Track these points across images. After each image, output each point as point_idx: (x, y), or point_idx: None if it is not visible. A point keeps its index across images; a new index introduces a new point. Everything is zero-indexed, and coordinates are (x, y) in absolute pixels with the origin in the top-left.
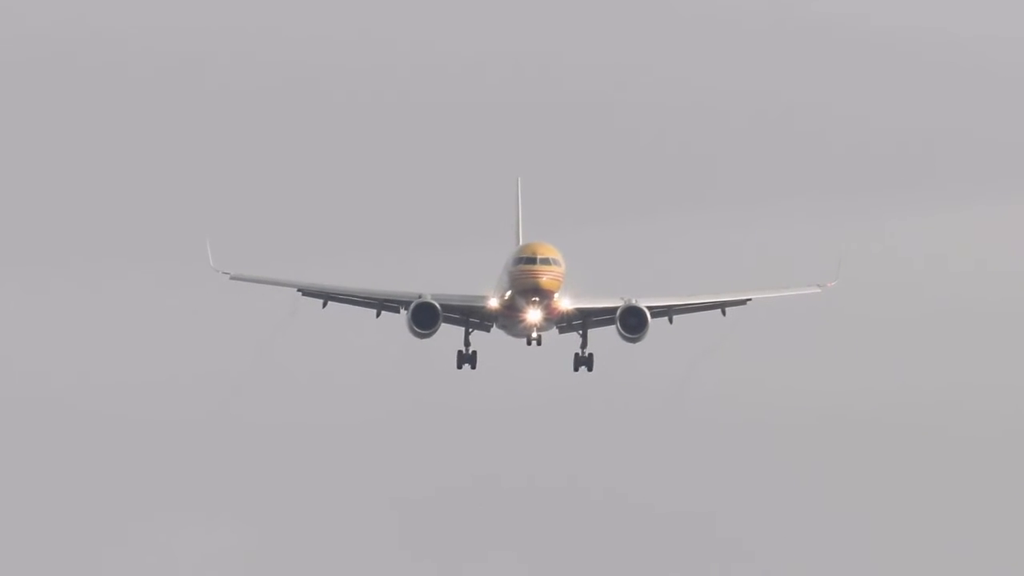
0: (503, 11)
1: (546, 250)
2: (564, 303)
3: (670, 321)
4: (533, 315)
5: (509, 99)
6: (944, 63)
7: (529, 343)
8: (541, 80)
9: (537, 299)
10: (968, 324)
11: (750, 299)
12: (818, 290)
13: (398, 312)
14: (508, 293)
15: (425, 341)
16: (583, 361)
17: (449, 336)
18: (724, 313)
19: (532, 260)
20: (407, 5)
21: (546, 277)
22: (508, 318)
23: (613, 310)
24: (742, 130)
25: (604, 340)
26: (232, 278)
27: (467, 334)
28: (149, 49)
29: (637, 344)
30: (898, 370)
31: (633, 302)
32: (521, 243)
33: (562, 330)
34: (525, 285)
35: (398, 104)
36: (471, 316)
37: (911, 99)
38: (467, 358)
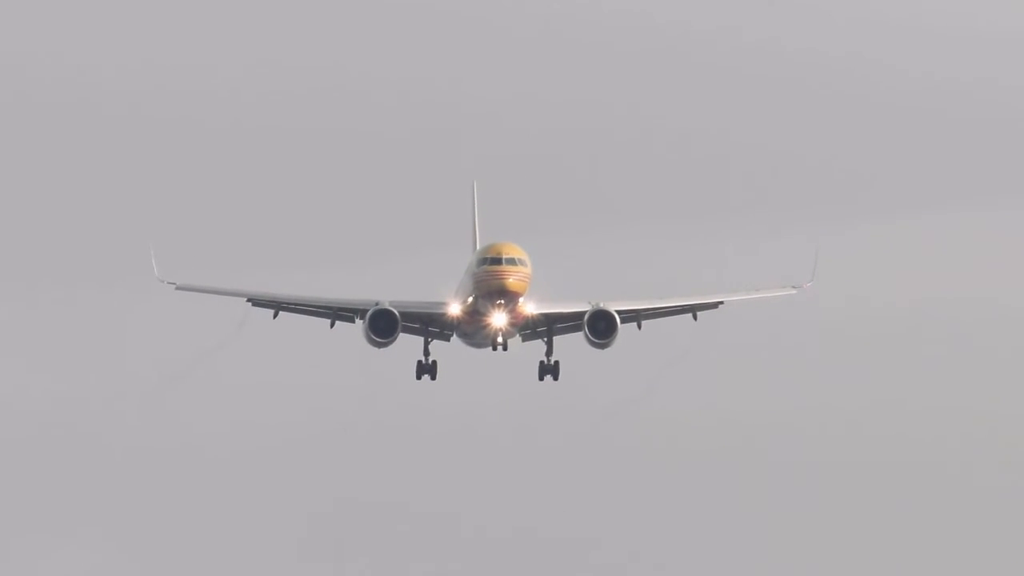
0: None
1: (511, 250)
2: (529, 308)
3: (639, 327)
4: (498, 319)
5: (462, 103)
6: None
7: (495, 348)
8: (495, 84)
9: (503, 302)
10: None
11: (722, 302)
12: (794, 291)
13: (353, 322)
14: (472, 297)
15: (383, 350)
16: (548, 370)
17: (408, 345)
18: (695, 317)
19: (497, 260)
20: (354, 14)
21: (512, 278)
22: (471, 324)
23: (580, 315)
24: (703, 137)
25: (571, 347)
26: (178, 288)
27: (426, 343)
28: (89, 60)
29: (605, 350)
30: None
31: (601, 305)
32: (481, 246)
33: (526, 337)
34: (490, 287)
35: (345, 110)
36: (431, 324)
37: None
38: (427, 368)
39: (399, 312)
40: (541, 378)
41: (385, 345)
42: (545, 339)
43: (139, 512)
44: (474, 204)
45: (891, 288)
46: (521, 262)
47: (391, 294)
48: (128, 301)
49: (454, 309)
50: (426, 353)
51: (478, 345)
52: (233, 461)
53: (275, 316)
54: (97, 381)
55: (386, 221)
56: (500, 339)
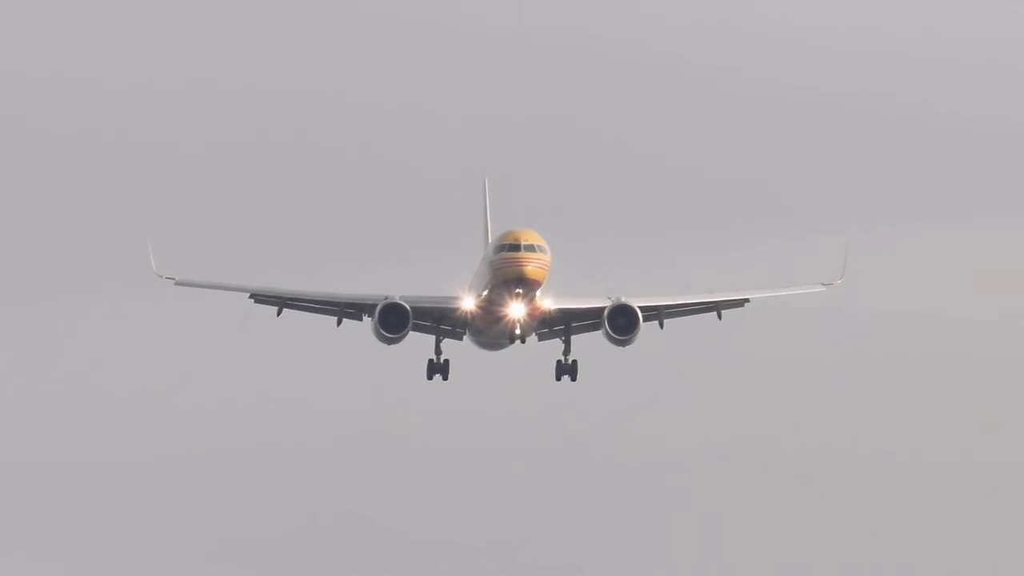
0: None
1: (530, 236)
2: (546, 303)
3: (661, 325)
4: (516, 310)
5: (472, 101)
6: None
7: (512, 341)
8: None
9: (521, 291)
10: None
11: (748, 300)
12: (823, 289)
13: (360, 320)
14: (488, 288)
15: (393, 347)
16: (566, 370)
17: (419, 344)
18: (720, 316)
19: (516, 247)
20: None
21: (532, 265)
22: (486, 318)
23: (599, 311)
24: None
25: (589, 346)
26: (177, 283)
27: (438, 342)
28: (88, 57)
29: (625, 348)
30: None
31: (622, 300)
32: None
33: (542, 336)
34: (508, 275)
35: (353, 105)
36: (443, 321)
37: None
38: (438, 368)
39: (410, 307)
40: (558, 378)
41: (395, 342)
42: (562, 338)
43: (132, 515)
44: (486, 202)
45: (919, 291)
46: (540, 249)
47: (400, 291)
48: (124, 297)
49: (468, 303)
50: (438, 352)
51: (492, 345)
52: (231, 468)
53: (279, 314)
54: (86, 384)
55: (393, 221)
56: (518, 331)
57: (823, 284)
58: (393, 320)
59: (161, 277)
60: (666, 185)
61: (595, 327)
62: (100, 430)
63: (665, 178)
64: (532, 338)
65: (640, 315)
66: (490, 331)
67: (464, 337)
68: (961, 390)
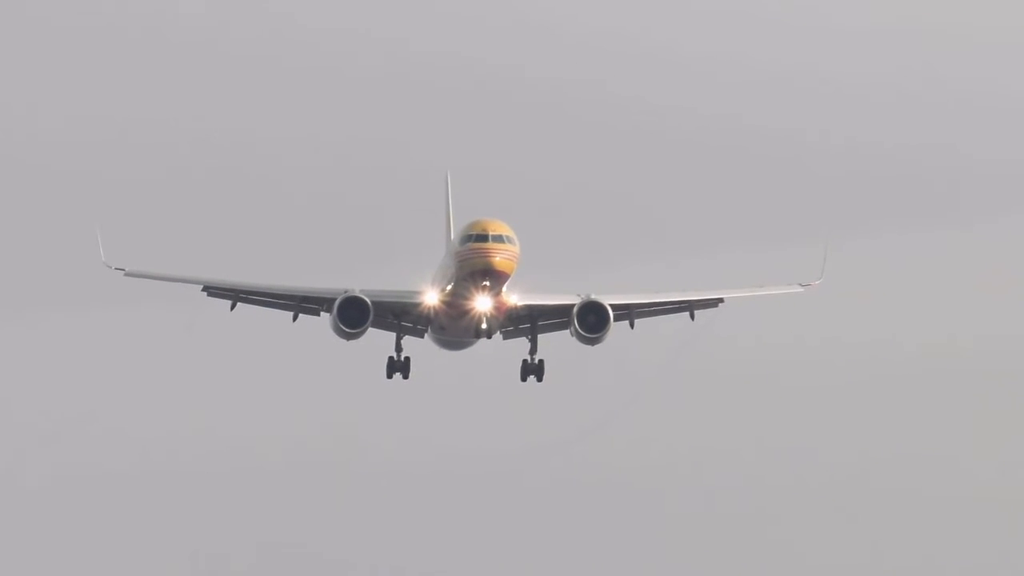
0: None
1: (498, 227)
2: (513, 298)
3: (631, 325)
4: (482, 303)
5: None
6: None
7: (478, 335)
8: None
9: (488, 283)
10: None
11: (723, 299)
12: (801, 290)
13: (318, 314)
14: (452, 281)
15: (352, 344)
16: (532, 369)
17: (379, 340)
18: (693, 316)
19: (483, 237)
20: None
21: (500, 256)
22: (450, 314)
23: (568, 308)
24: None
25: (556, 345)
26: (127, 274)
27: (399, 339)
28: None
29: (595, 347)
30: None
31: (592, 297)
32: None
33: (508, 335)
34: (475, 266)
35: (311, 93)
36: (404, 317)
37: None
38: (399, 366)
39: (371, 301)
40: (524, 378)
41: (355, 336)
42: (529, 336)
43: (68, 527)
44: (448, 195)
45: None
46: (509, 240)
47: (359, 286)
48: (70, 288)
49: (431, 298)
50: (398, 349)
51: (455, 344)
52: (176, 474)
53: (232, 308)
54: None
55: (353, 217)
56: (484, 325)
57: (801, 284)
58: (353, 314)
59: (110, 268)
60: (643, 197)
61: (563, 325)
62: (30, 429)
63: (642, 191)
64: (497, 337)
65: (611, 313)
66: (454, 327)
67: (426, 335)
68: (937, 395)
